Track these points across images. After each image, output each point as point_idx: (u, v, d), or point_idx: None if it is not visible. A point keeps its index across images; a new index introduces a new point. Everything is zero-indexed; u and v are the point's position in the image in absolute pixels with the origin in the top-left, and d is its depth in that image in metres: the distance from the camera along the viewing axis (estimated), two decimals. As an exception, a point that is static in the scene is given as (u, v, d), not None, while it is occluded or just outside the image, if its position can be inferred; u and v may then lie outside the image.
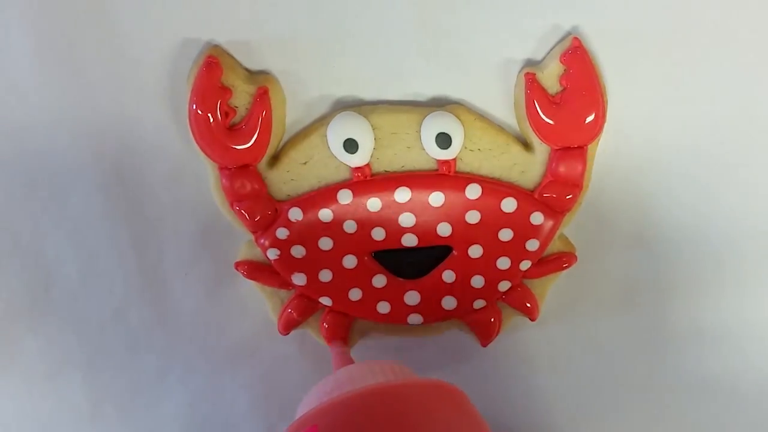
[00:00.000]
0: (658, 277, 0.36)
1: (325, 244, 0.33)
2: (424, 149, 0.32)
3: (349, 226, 0.33)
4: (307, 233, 0.33)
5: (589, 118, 0.31)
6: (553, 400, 0.37)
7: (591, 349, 0.37)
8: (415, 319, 0.34)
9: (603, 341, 0.36)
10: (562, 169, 0.32)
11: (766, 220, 0.35)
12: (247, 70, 0.32)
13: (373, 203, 0.32)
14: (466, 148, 0.32)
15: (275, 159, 0.33)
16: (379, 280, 0.34)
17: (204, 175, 0.33)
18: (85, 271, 0.35)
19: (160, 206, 0.34)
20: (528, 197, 0.32)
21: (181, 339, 0.37)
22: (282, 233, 0.33)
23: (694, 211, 0.34)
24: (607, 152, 0.33)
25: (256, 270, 0.34)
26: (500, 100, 0.32)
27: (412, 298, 0.34)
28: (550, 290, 0.35)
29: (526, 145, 0.32)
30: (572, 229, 0.34)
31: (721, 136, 0.33)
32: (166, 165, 0.33)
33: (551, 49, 0.31)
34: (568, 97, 0.31)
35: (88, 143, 0.33)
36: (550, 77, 0.31)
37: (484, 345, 0.35)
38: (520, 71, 0.31)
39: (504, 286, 0.34)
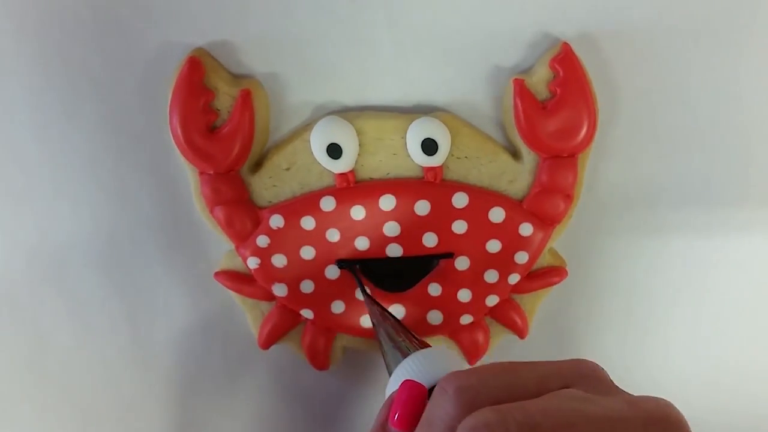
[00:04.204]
0: (653, 290, 0.34)
1: (307, 253, 0.32)
2: (409, 156, 0.31)
3: (332, 235, 0.31)
4: (289, 241, 0.32)
5: (580, 126, 0.30)
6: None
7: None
8: (399, 334, 0.33)
9: (597, 360, 0.35)
10: (552, 179, 0.31)
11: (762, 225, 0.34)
12: (231, 73, 0.31)
13: (357, 211, 0.31)
14: (452, 155, 0.31)
15: (258, 164, 0.32)
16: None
17: (186, 182, 0.32)
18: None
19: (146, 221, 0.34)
20: (517, 207, 0.31)
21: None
22: (263, 241, 0.32)
23: (690, 220, 0.33)
24: (598, 162, 0.32)
25: (235, 280, 0.33)
26: (488, 108, 0.31)
27: (396, 312, 0.32)
28: (540, 307, 0.34)
29: (515, 154, 0.31)
30: (563, 242, 0.33)
31: (717, 145, 0.32)
32: (146, 170, 0.33)
33: (541, 56, 0.30)
34: (557, 104, 0.30)
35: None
36: (539, 83, 0.30)
37: (472, 364, 0.34)
38: (508, 78, 0.30)
39: (492, 300, 0.32)
